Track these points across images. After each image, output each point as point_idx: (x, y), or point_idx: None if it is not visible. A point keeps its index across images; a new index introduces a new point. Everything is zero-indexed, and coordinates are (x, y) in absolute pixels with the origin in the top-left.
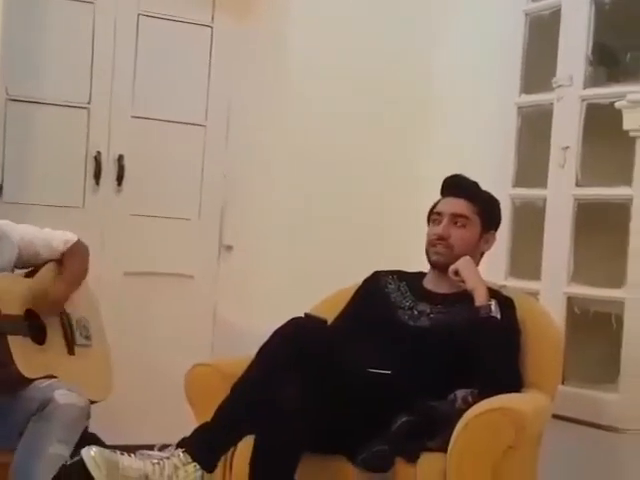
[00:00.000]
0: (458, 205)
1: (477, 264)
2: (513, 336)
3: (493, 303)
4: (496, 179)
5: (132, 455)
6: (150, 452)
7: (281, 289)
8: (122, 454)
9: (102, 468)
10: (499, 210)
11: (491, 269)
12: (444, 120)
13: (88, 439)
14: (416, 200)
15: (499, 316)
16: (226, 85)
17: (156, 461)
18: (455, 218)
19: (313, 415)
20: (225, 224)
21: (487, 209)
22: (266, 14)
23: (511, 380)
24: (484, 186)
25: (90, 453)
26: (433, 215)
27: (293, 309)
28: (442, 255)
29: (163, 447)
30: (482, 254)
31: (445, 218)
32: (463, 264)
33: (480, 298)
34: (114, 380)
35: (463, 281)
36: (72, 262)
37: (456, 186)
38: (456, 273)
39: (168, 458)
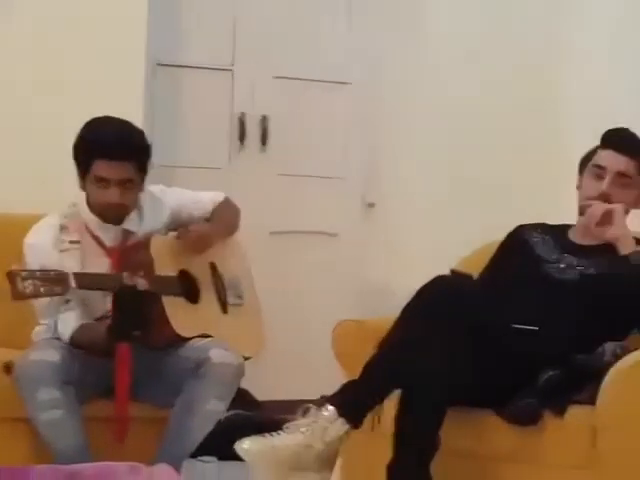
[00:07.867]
0: (624, 163)
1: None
2: None
3: None
4: None
5: (280, 432)
6: (296, 422)
7: (426, 246)
8: (272, 435)
9: (259, 459)
10: None
11: None
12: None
13: (241, 395)
14: (562, 157)
15: None
16: (368, 41)
17: (304, 429)
18: (619, 177)
19: (459, 372)
20: (370, 182)
21: None
22: None
23: None
24: None
25: (243, 447)
26: (595, 168)
27: (438, 266)
28: None
29: (305, 411)
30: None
31: (609, 175)
32: (619, 209)
33: (629, 246)
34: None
35: (610, 224)
36: (220, 215)
37: (622, 140)
38: (609, 215)
39: (315, 422)
